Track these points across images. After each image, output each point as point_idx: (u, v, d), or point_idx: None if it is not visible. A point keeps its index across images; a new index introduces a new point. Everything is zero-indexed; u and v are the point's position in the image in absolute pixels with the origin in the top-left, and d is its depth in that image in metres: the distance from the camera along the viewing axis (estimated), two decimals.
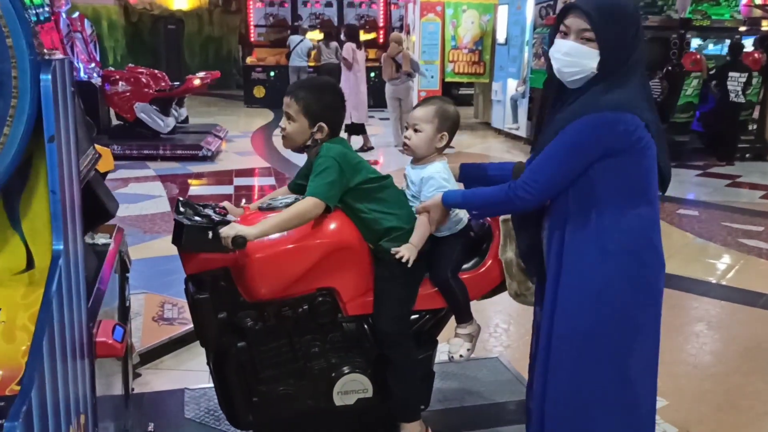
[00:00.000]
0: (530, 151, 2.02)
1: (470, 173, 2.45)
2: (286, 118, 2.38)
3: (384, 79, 9.81)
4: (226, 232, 2.11)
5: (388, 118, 10.51)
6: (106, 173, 3.13)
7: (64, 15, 9.45)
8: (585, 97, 1.89)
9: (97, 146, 3.11)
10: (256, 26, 16.55)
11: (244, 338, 2.30)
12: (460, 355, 2.43)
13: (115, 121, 9.54)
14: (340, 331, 2.39)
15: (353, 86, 9.64)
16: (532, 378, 2.19)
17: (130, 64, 10.52)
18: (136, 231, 5.63)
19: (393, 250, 2.27)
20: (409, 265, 2.28)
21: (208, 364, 2.42)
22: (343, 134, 9.76)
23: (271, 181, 7.88)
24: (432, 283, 2.42)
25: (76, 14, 10.31)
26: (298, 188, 2.54)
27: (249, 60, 15.43)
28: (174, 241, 2.19)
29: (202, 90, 10.26)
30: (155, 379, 3.31)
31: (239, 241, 2.10)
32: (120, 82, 8.95)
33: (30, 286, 1.46)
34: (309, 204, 2.22)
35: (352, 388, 2.40)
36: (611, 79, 1.87)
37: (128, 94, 8.94)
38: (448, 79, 12.34)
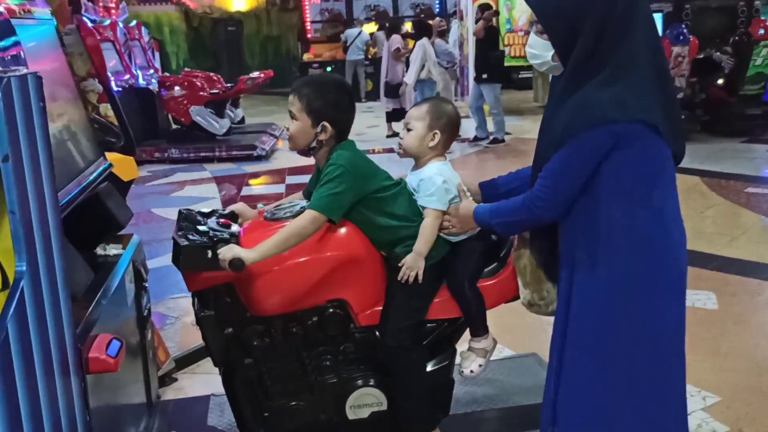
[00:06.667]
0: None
1: (490, 192, 2.29)
2: (289, 117, 2.27)
3: None
4: (223, 254, 2.06)
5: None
6: (130, 182, 3.16)
7: (121, 24, 9.72)
8: (575, 99, 1.76)
9: (118, 155, 3.14)
10: (313, 22, 16.66)
11: (251, 355, 2.26)
12: (471, 371, 2.31)
13: (174, 126, 9.76)
14: (352, 342, 2.32)
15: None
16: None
17: (185, 69, 10.74)
18: None
19: (400, 275, 2.20)
20: (420, 280, 2.20)
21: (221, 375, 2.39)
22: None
23: None
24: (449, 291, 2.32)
25: (134, 23, 10.60)
26: (311, 196, 2.47)
27: (306, 57, 15.53)
28: (173, 261, 2.15)
29: (255, 90, 10.35)
30: (190, 384, 3.32)
31: (236, 264, 2.04)
32: (175, 87, 9.13)
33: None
34: (307, 219, 2.13)
35: (365, 401, 2.32)
36: (601, 72, 1.74)
37: (183, 98, 9.11)
38: (505, 64, 12.07)
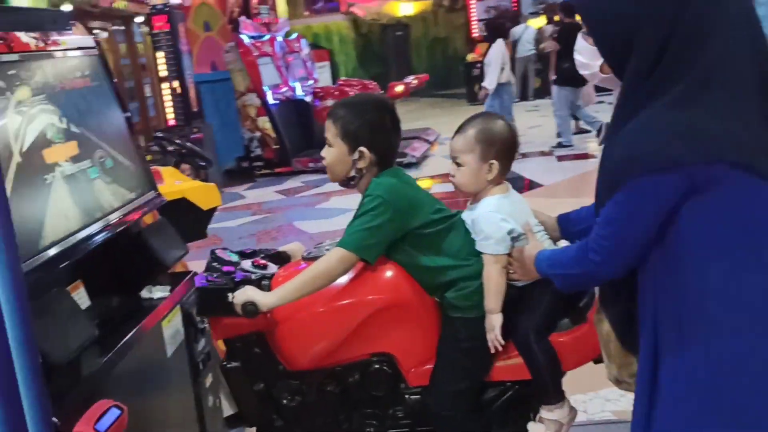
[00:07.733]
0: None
1: (567, 229, 1.88)
2: (327, 144, 2.01)
3: None
4: (237, 297, 1.85)
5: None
6: (211, 210, 3.02)
7: (279, 38, 9.99)
8: (632, 127, 1.29)
9: (198, 183, 3.02)
10: (480, 20, 16.22)
11: (282, 415, 1.98)
12: None
13: None
14: (402, 405, 1.97)
15: None
16: None
17: (342, 78, 10.82)
18: None
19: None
20: (501, 341, 1.83)
21: None
22: None
23: None
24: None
25: (294, 36, 10.86)
26: None
27: (470, 57, 15.11)
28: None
29: (405, 95, 10.16)
30: None
31: (249, 309, 1.82)
32: (327, 98, 9.18)
33: None
34: (333, 258, 1.83)
35: None
36: (668, 91, 1.25)
37: None
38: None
